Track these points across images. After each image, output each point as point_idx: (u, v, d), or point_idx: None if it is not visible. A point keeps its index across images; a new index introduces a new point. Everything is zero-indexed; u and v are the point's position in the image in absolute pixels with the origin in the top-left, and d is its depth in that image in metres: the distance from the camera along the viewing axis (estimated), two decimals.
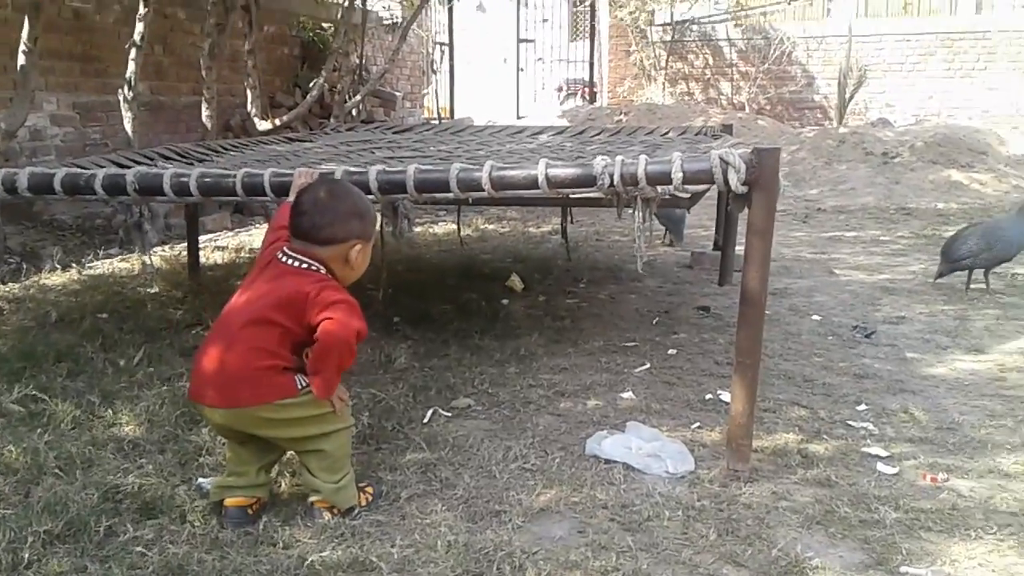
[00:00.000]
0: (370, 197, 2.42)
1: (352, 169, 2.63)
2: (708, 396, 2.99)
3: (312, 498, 2.17)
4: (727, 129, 5.19)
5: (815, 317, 4.06)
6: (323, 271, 2.14)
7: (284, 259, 2.16)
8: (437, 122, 12.90)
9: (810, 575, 1.91)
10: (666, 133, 5.25)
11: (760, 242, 2.15)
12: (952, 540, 2.05)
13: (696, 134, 5.18)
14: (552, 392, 3.03)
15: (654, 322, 3.95)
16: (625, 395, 3.00)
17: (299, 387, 2.09)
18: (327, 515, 2.14)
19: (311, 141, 4.94)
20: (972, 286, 4.51)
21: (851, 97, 11.99)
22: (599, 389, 3.07)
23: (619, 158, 2.20)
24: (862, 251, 5.88)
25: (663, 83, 13.79)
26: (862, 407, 2.89)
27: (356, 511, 2.17)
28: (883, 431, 2.69)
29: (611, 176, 2.19)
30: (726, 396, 2.87)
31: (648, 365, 3.32)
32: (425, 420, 2.78)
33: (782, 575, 1.91)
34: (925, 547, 2.02)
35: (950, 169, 9.14)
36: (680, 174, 2.14)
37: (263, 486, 2.20)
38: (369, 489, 2.26)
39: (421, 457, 2.49)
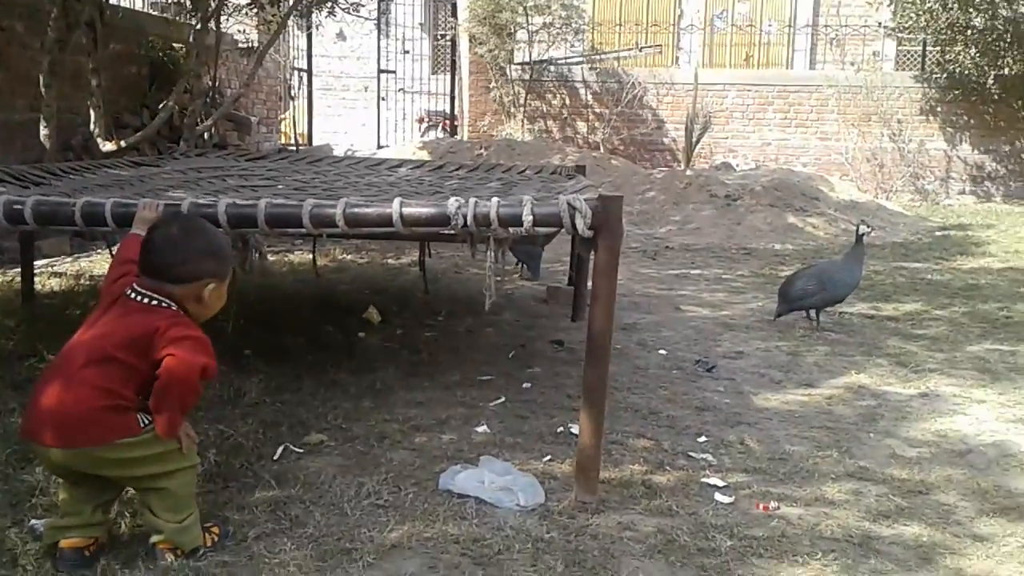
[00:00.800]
0: (219, 229, 2.37)
1: (200, 201, 2.57)
2: (559, 429, 3.07)
3: (154, 539, 2.09)
4: (580, 169, 5.37)
5: (661, 351, 4.25)
6: (174, 308, 2.08)
7: (133, 296, 2.09)
8: (294, 148, 12.69)
9: None
10: (523, 171, 5.38)
11: (605, 283, 2.25)
12: (781, 566, 2.19)
13: (552, 173, 5.34)
14: (407, 426, 3.03)
15: (510, 356, 4.02)
16: (480, 429, 3.04)
17: (141, 425, 2.02)
18: (170, 556, 2.06)
19: (158, 166, 4.76)
20: (804, 324, 4.84)
21: (697, 141, 12.64)
22: (454, 423, 3.09)
23: (472, 200, 2.26)
24: (706, 288, 6.19)
25: (522, 120, 14.08)
26: (702, 439, 3.04)
27: (201, 552, 2.10)
28: (721, 461, 2.84)
29: (464, 217, 2.25)
30: (576, 429, 2.95)
31: (503, 399, 3.38)
32: (276, 457, 2.72)
33: None
34: (757, 573, 2.15)
35: (786, 212, 9.77)
36: (530, 217, 2.22)
37: (100, 525, 2.10)
38: (215, 529, 2.19)
39: (271, 495, 2.43)
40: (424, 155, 12.53)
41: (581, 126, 14.32)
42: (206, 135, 8.56)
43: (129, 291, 2.10)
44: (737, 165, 13.25)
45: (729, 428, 3.18)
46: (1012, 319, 5.19)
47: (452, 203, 2.26)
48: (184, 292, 2.10)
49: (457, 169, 5.32)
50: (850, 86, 13.35)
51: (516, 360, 3.96)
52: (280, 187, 3.67)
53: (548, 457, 2.82)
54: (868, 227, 4.99)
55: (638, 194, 10.68)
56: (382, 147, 14.36)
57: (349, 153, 13.37)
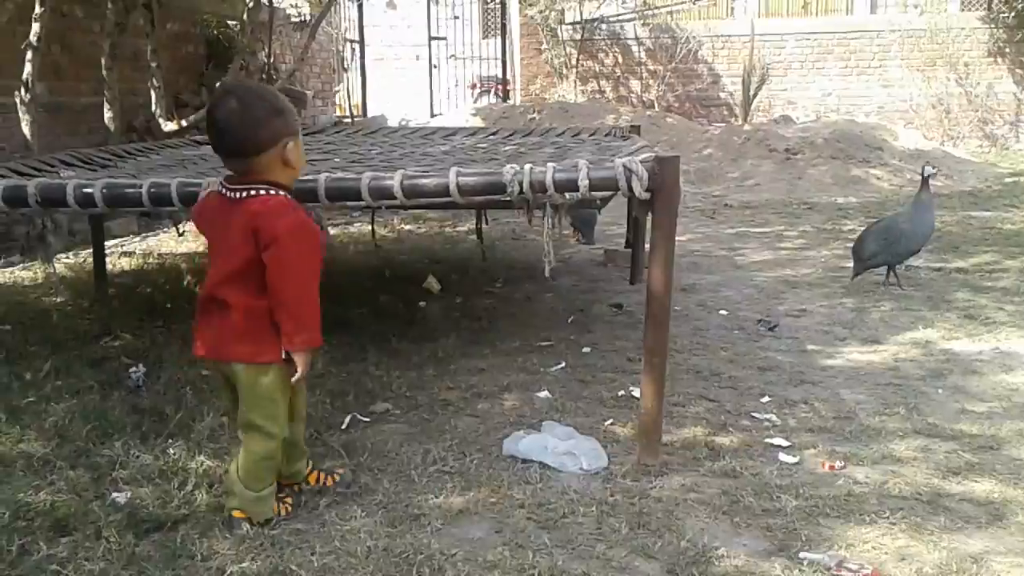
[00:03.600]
0: None
1: None
2: (621, 392, 3.08)
3: (230, 506, 2.17)
4: (635, 129, 5.32)
5: (722, 312, 4.22)
6: (263, 189, 2.06)
7: (228, 194, 2.08)
8: (350, 120, 12.78)
9: (716, 564, 2.00)
10: (577, 134, 5.36)
11: (663, 245, 2.24)
12: (848, 525, 2.18)
13: (606, 135, 5.30)
14: (470, 394, 3.07)
15: (569, 321, 4.04)
16: (541, 394, 3.06)
17: (272, 358, 2.08)
18: (246, 526, 2.14)
19: None
20: (879, 280, 4.71)
21: (755, 94, 12.38)
22: (516, 389, 3.13)
23: (527, 166, 2.27)
24: (766, 246, 6.10)
25: (574, 81, 13.96)
26: (765, 399, 3.02)
27: (275, 521, 2.18)
28: (785, 422, 2.83)
29: (520, 184, 2.25)
30: (637, 392, 2.96)
31: (563, 364, 3.40)
32: (343, 426, 2.79)
33: (690, 565, 2.00)
34: (823, 533, 2.14)
35: (849, 164, 9.54)
36: (586, 182, 2.22)
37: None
38: (288, 499, 2.27)
39: (340, 464, 2.50)
40: (477, 122, 12.52)
41: (635, 84, 14.13)
42: None
43: (222, 190, 2.10)
44: (797, 118, 12.94)
45: (793, 387, 3.15)
46: None
47: (508, 170, 2.27)
48: (270, 159, 2.06)
49: (511, 135, 5.32)
50: (913, 30, 12.91)
51: (575, 325, 3.97)
52: (337, 160, 3.72)
53: (610, 421, 2.83)
54: (933, 168, 4.83)
55: (695, 152, 10.53)
56: (435, 115, 14.38)
57: (403, 123, 13.43)
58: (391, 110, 14.61)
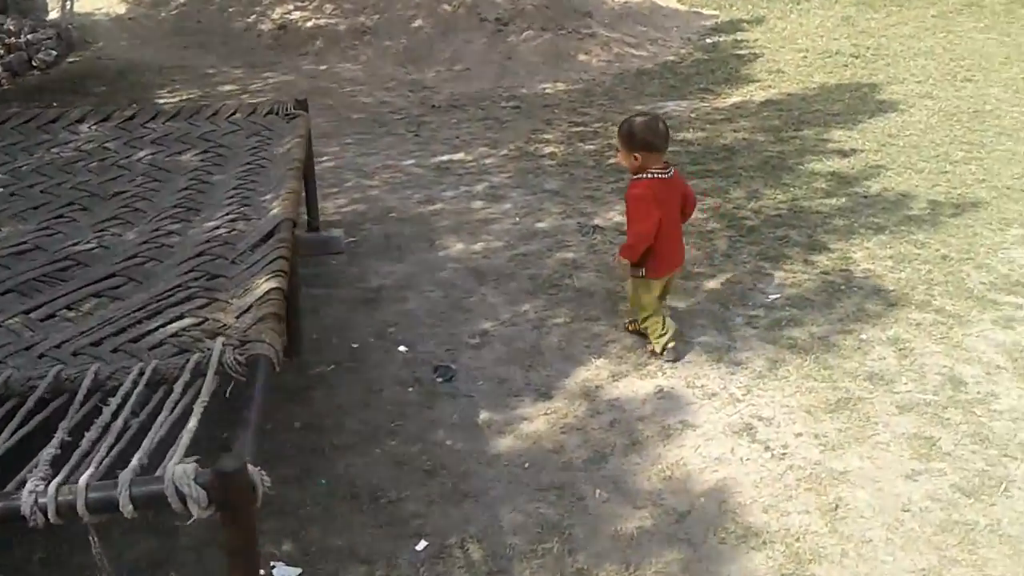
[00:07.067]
0: None
1: None
2: None
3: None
4: (302, 104, 4.67)
5: (401, 348, 3.92)
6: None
7: (670, 175, 3.71)
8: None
9: None
10: (234, 113, 4.64)
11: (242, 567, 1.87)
12: None
13: (267, 114, 4.63)
14: None
15: None
16: None
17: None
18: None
19: None
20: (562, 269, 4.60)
21: None
22: None
23: (51, 487, 1.77)
24: (465, 191, 5.77)
25: None
26: (422, 544, 2.81)
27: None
28: None
29: (44, 511, 1.77)
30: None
31: None
32: None
33: None
34: None
35: (559, 37, 9.23)
36: (129, 506, 1.77)
37: None
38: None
39: None
40: None
41: None
42: None
43: (665, 174, 3.69)
44: None
45: (453, 507, 2.95)
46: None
47: (27, 492, 1.77)
48: None
49: (151, 120, 4.52)
50: None
51: None
52: None
53: None
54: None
55: (404, 23, 9.77)
56: None
57: None
58: None
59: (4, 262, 3.06)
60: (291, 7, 10.06)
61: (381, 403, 3.53)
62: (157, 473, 1.82)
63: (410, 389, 3.64)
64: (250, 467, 1.84)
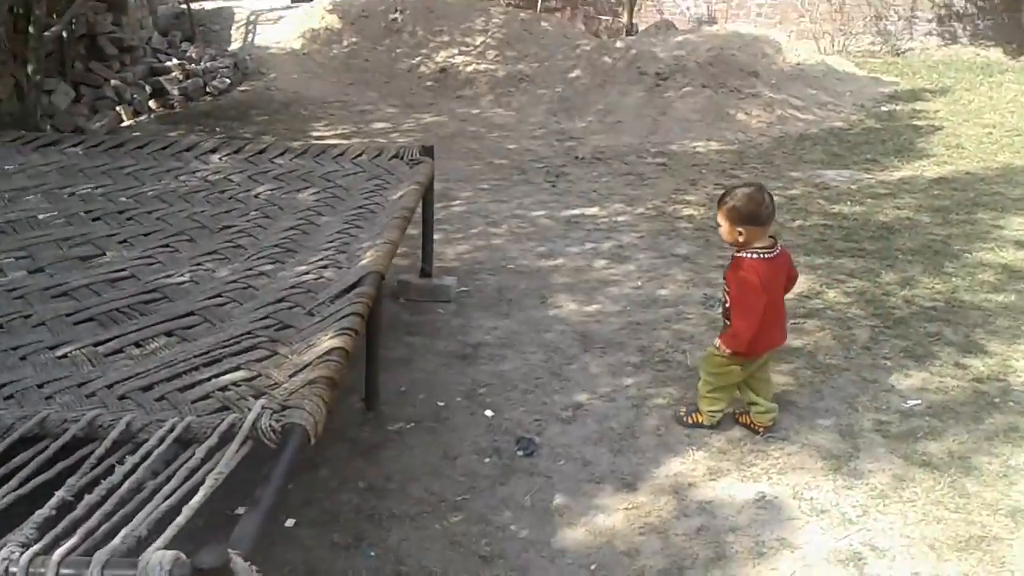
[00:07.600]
0: None
1: None
2: None
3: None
4: (428, 151, 4.60)
5: (487, 413, 3.71)
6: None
7: (776, 253, 3.35)
8: (186, 8, 11.37)
9: None
10: (360, 155, 4.62)
11: None
12: None
13: (391, 158, 4.59)
14: None
15: None
16: None
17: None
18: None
19: None
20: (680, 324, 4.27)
21: None
22: None
23: (28, 554, 1.65)
24: (591, 247, 5.54)
25: None
26: None
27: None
28: None
29: None
30: None
31: None
32: None
33: None
34: None
35: (719, 94, 8.90)
36: None
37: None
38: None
39: None
40: (334, 20, 11.38)
41: None
42: (64, 33, 7.47)
43: (776, 253, 3.36)
44: (682, 11, 12.08)
45: None
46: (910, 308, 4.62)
47: (0, 559, 1.67)
48: None
49: (279, 156, 4.57)
50: None
51: None
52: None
53: None
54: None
55: (561, 73, 9.72)
56: (294, 4, 13.05)
57: (253, 18, 12.16)
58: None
59: (97, 288, 3.07)
60: (455, 51, 10.23)
61: (453, 471, 3.32)
62: (140, 557, 1.68)
63: (487, 460, 3.40)
64: (237, 563, 1.64)
